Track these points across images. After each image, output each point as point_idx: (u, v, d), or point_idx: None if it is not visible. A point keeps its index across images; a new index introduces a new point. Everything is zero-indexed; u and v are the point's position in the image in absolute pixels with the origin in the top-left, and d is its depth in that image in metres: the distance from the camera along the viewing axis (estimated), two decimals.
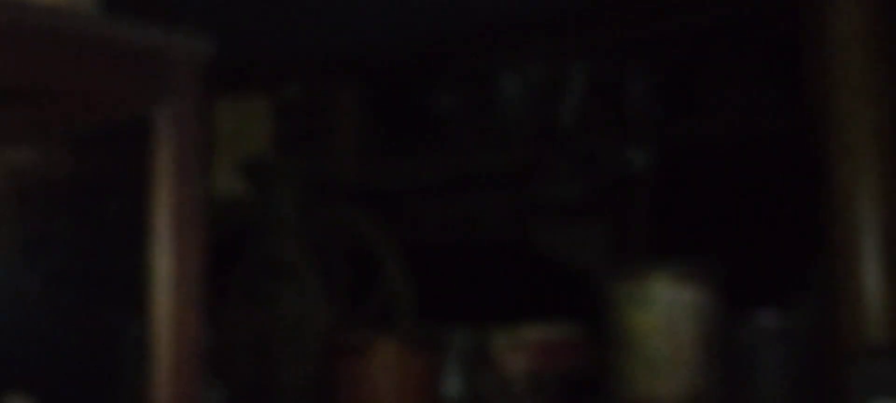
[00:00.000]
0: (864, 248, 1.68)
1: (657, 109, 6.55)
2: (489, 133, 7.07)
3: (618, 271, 1.53)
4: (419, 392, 2.07)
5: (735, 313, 1.80)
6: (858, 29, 1.80)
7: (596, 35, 6.28)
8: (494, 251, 6.46)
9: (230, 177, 3.44)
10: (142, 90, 0.92)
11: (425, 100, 7.40)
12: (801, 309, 1.94)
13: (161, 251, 0.93)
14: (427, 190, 7.44)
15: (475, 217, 7.14)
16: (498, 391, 2.26)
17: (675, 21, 6.40)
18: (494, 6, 6.06)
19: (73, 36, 0.88)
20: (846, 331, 1.65)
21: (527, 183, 6.80)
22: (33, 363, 1.62)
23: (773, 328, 1.74)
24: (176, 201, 0.91)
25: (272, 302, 2.70)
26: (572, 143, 6.60)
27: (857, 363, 1.27)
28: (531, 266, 6.03)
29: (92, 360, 1.78)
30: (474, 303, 5.19)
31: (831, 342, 1.68)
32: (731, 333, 1.70)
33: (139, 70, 0.92)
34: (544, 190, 6.78)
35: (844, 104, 1.80)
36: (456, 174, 7.22)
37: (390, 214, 7.11)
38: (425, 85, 7.34)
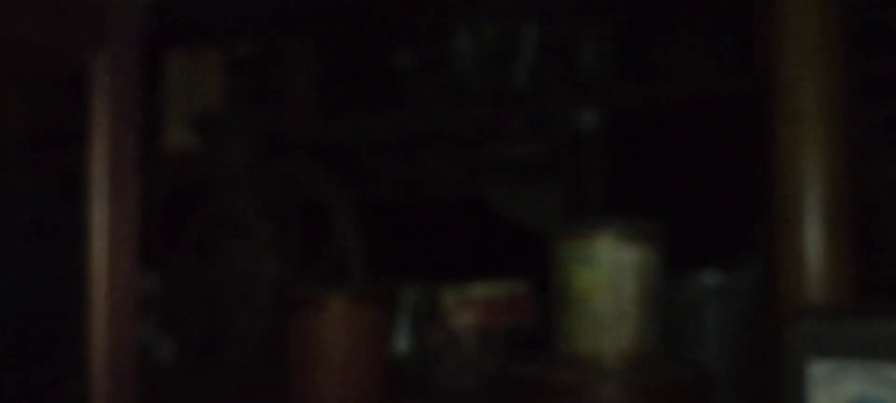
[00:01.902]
0: (806, 212, 1.70)
1: (610, 71, 6.57)
2: (444, 92, 7.04)
3: (564, 230, 1.53)
4: (369, 346, 2.07)
5: (679, 272, 1.82)
6: None
7: None
8: (448, 209, 6.47)
9: (182, 131, 3.38)
10: (80, 40, 0.90)
11: (380, 58, 7.34)
12: (744, 270, 1.97)
13: (96, 199, 0.91)
14: (381, 147, 7.41)
15: (429, 175, 7.13)
16: (446, 345, 2.28)
17: None
18: None
19: None
20: (786, 292, 1.68)
21: (480, 142, 6.81)
22: None
23: (715, 286, 1.77)
24: (112, 151, 0.89)
25: (223, 255, 2.67)
26: (526, 104, 6.60)
27: (795, 323, 1.30)
28: (484, 224, 6.05)
29: (32, 305, 1.75)
30: (427, 260, 5.21)
31: (772, 302, 1.71)
32: (673, 290, 1.72)
33: (77, 20, 0.89)
34: (498, 149, 6.79)
35: (793, 70, 1.81)
36: (410, 132, 7.19)
37: (344, 171, 7.07)
38: (381, 42, 7.27)
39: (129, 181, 0.91)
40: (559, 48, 6.36)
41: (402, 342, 2.45)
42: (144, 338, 2.56)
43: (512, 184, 6.77)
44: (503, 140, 6.90)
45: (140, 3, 0.94)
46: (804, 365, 1.30)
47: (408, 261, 3.81)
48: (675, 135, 6.38)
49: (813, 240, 1.67)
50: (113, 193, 0.90)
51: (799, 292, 1.63)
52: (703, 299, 1.74)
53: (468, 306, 2.25)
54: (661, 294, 1.60)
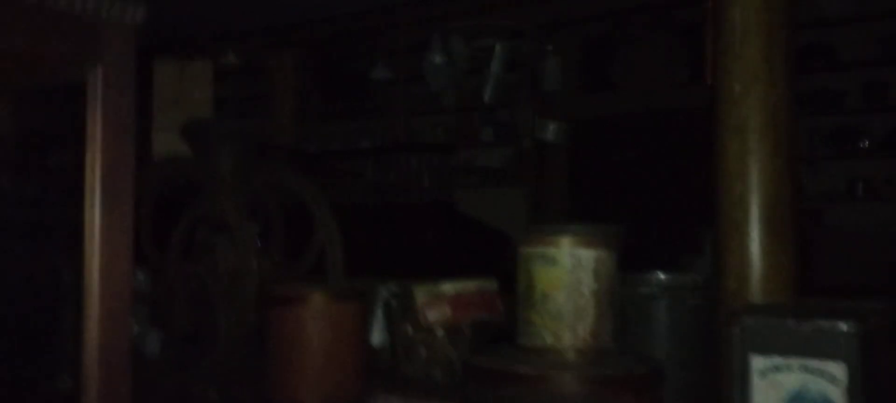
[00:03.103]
0: (749, 218, 1.73)
1: (571, 86, 6.61)
2: (418, 103, 7.04)
3: (527, 233, 1.55)
4: (346, 339, 2.07)
5: (634, 271, 1.84)
6: (756, 19, 1.84)
7: (516, 15, 6.28)
8: (421, 212, 6.47)
9: (170, 137, 3.35)
10: (76, 54, 0.90)
11: (359, 71, 7.32)
12: (693, 271, 1.99)
13: (93, 206, 0.91)
14: (358, 153, 7.38)
15: (404, 180, 7.12)
16: (419, 339, 2.29)
17: (591, 3, 6.44)
18: None
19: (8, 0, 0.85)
20: (731, 291, 1.71)
21: (451, 150, 6.81)
22: None
23: (666, 286, 1.79)
24: (107, 159, 0.89)
25: (210, 255, 2.66)
26: (493, 115, 6.62)
27: (739, 320, 1.32)
28: (454, 226, 6.06)
29: (29, 305, 1.74)
30: (400, 259, 5.21)
31: (718, 301, 1.74)
32: (628, 290, 1.74)
33: (73, 34, 0.89)
34: (467, 157, 6.80)
35: (738, 86, 1.84)
36: (386, 139, 7.17)
37: (323, 175, 7.05)
38: (359, 56, 7.25)
39: (124, 188, 0.91)
40: (525, 64, 6.40)
41: (376, 336, 2.45)
42: (133, 333, 2.55)
43: (480, 188, 6.80)
44: (472, 148, 6.93)
45: (134, 22, 0.94)
46: (747, 360, 1.32)
47: (382, 260, 3.82)
48: (631, 146, 6.45)
49: (756, 244, 1.71)
50: (108, 200, 0.90)
51: (742, 292, 1.66)
52: (655, 297, 1.77)
53: (438, 302, 2.26)
54: (617, 292, 1.62)
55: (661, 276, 1.80)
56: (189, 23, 6.69)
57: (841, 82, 5.93)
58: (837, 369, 1.27)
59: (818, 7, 5.90)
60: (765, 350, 1.33)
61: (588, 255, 1.53)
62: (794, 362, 1.30)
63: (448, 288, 2.27)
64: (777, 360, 1.32)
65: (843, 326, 1.27)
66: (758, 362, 1.33)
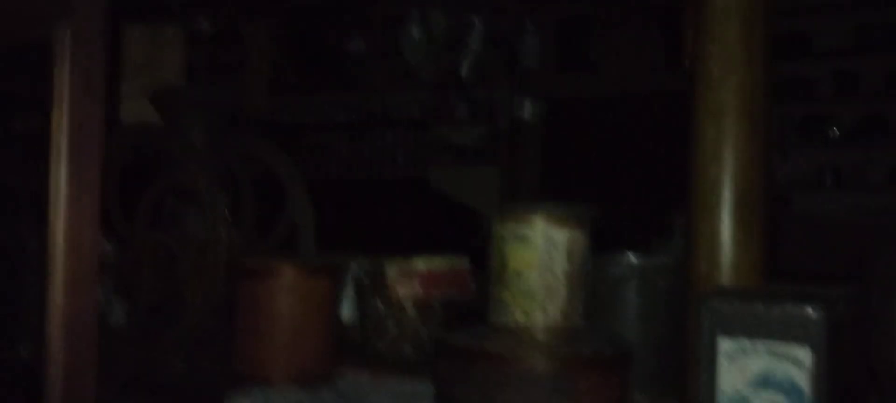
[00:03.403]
0: (721, 201, 1.74)
1: (549, 65, 6.61)
2: (393, 77, 7.00)
3: (501, 211, 1.55)
4: (316, 314, 2.06)
5: (605, 252, 1.85)
6: (736, 2, 1.84)
7: None
8: (394, 188, 6.46)
9: (140, 104, 3.30)
10: (43, 10, 0.87)
11: (335, 42, 7.25)
12: (663, 253, 2.01)
13: (58, 169, 0.89)
14: (333, 127, 7.34)
15: (377, 155, 7.10)
16: (389, 315, 2.29)
17: None
18: None
19: None
20: (701, 274, 1.72)
21: (425, 126, 6.79)
22: None
23: (636, 267, 1.80)
24: (74, 121, 0.87)
25: (178, 225, 2.64)
26: (469, 92, 6.61)
27: (707, 303, 1.33)
28: (428, 203, 6.06)
29: None
30: (372, 235, 5.20)
31: (688, 283, 1.75)
32: (599, 270, 1.75)
33: None
34: (441, 133, 6.78)
35: (716, 70, 1.85)
36: (360, 113, 7.13)
37: (297, 148, 7.01)
38: (335, 27, 7.19)
39: (92, 152, 0.89)
40: (503, 41, 6.39)
41: (346, 311, 2.45)
42: (99, 301, 2.52)
43: (453, 166, 6.80)
44: (447, 125, 6.92)
45: None
46: (714, 343, 1.34)
47: (354, 235, 3.81)
48: (607, 127, 6.48)
49: (726, 228, 1.72)
50: (75, 164, 0.88)
51: (712, 275, 1.67)
52: (626, 278, 1.78)
53: (409, 278, 2.26)
54: (589, 272, 1.63)
55: (632, 258, 1.81)
56: None
57: (812, 70, 6.00)
58: (803, 353, 1.29)
59: None
60: (732, 332, 1.34)
61: (561, 235, 1.53)
62: (761, 345, 1.32)
63: (419, 264, 2.27)
64: (744, 343, 1.33)
65: (810, 311, 1.29)
66: (725, 344, 1.35)
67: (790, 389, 1.28)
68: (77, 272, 0.88)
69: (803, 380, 1.27)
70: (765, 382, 1.30)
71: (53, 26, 0.85)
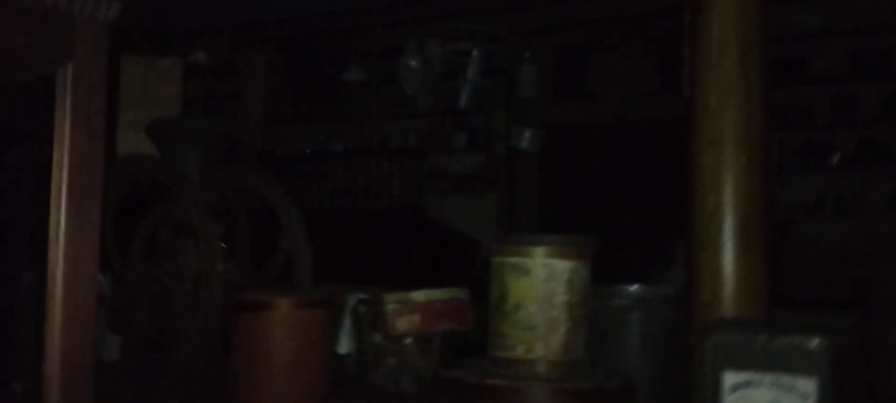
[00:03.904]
0: (722, 231, 1.74)
1: (546, 93, 6.63)
2: (391, 106, 7.02)
3: (500, 242, 1.54)
4: (312, 348, 2.05)
5: (606, 283, 1.85)
6: (733, 32, 1.86)
7: (493, 21, 6.30)
8: (391, 217, 6.45)
9: (136, 136, 3.31)
10: (46, 49, 0.87)
11: (332, 72, 7.27)
12: (665, 283, 2.00)
13: (59, 207, 0.89)
14: (330, 156, 7.34)
15: (374, 184, 7.09)
16: (387, 348, 2.27)
17: (567, 11, 6.48)
18: None
19: None
20: (703, 306, 1.72)
21: (423, 154, 6.80)
22: None
23: (638, 298, 1.80)
24: (75, 159, 0.87)
25: (174, 258, 2.63)
26: (467, 120, 6.62)
27: (711, 335, 1.33)
28: (426, 233, 6.05)
29: None
30: (371, 266, 5.18)
31: (690, 315, 1.75)
32: (600, 302, 1.75)
33: (44, 29, 0.87)
34: (439, 162, 6.79)
35: (714, 100, 1.86)
36: (357, 142, 7.14)
37: (294, 178, 7.00)
38: (332, 57, 7.21)
39: (92, 190, 0.89)
40: (500, 70, 6.42)
41: (343, 344, 2.44)
42: (96, 339, 2.50)
43: (451, 194, 6.80)
44: (444, 153, 6.93)
45: (106, 18, 0.92)
46: (719, 376, 1.33)
47: (351, 266, 3.80)
48: (605, 154, 6.49)
49: (728, 257, 1.72)
50: (75, 202, 0.88)
51: (715, 306, 1.67)
52: (627, 310, 1.78)
53: (408, 311, 2.25)
54: (590, 304, 1.62)
55: (634, 288, 1.81)
56: (158, 19, 6.61)
57: (810, 96, 6.03)
58: (808, 384, 1.28)
59: (789, 21, 5.99)
60: (736, 365, 1.34)
61: (562, 266, 1.53)
62: (766, 377, 1.32)
63: (418, 296, 2.26)
64: (748, 376, 1.33)
65: (814, 342, 1.28)
66: (729, 377, 1.34)
67: None
68: (75, 312, 0.88)
69: None
70: None
71: (56, 65, 0.86)
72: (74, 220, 0.88)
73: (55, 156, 0.87)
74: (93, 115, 0.89)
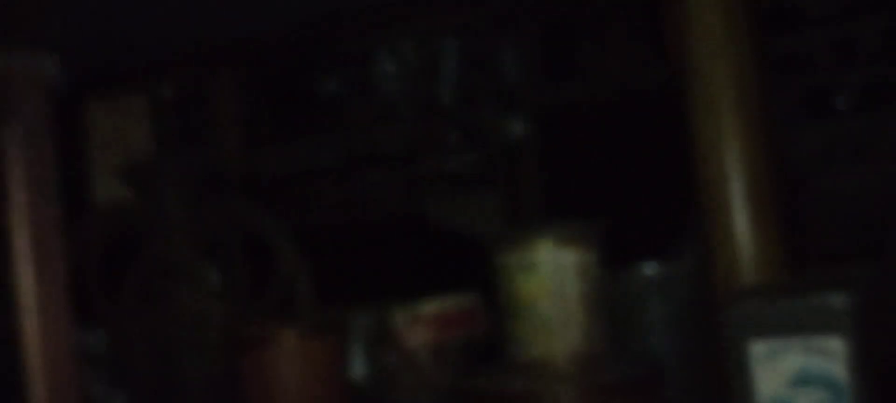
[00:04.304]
0: (730, 197, 1.75)
1: (535, 76, 6.64)
2: (372, 113, 7.02)
3: (502, 239, 1.55)
4: (324, 377, 2.05)
5: (619, 267, 1.85)
6: None
7: (467, 10, 6.30)
8: (389, 227, 6.45)
9: (112, 181, 3.31)
10: None
11: (305, 84, 7.28)
12: (681, 259, 2.01)
13: (22, 268, 0.90)
14: (316, 172, 7.34)
15: (367, 195, 7.10)
16: (402, 365, 2.28)
17: None
18: None
19: None
20: (721, 277, 1.72)
21: (414, 158, 6.81)
22: None
23: (655, 278, 1.80)
24: (32, 218, 0.88)
25: (168, 302, 2.63)
26: (454, 117, 6.63)
27: (732, 306, 1.33)
28: (426, 239, 6.05)
29: None
30: (374, 281, 5.19)
31: (710, 288, 1.75)
32: (615, 286, 1.75)
33: None
34: (432, 163, 6.80)
35: (705, 63, 1.86)
36: (343, 155, 7.15)
37: (281, 200, 7.00)
38: (304, 70, 7.22)
39: (52, 245, 0.90)
40: (481, 59, 6.42)
41: (357, 367, 2.44)
42: (96, 397, 2.50)
43: (449, 196, 6.79)
44: (436, 154, 6.92)
45: (48, 72, 0.93)
46: (745, 346, 1.34)
47: (355, 283, 3.79)
48: (605, 133, 6.48)
49: (740, 223, 1.72)
50: (37, 260, 0.88)
51: (733, 275, 1.67)
52: (645, 291, 1.78)
53: (419, 324, 2.25)
54: (604, 291, 1.63)
55: (650, 268, 1.81)
56: (118, 57, 6.61)
57: (809, 41, 6.03)
58: (837, 343, 1.29)
59: None
60: (762, 333, 1.34)
61: (569, 256, 1.53)
62: (794, 342, 1.32)
63: (428, 308, 2.26)
64: (775, 343, 1.33)
65: (839, 298, 1.29)
66: (756, 347, 1.35)
67: (829, 382, 1.28)
68: (55, 370, 0.88)
69: (841, 370, 1.27)
70: (803, 379, 1.30)
71: (1, 128, 0.87)
72: (40, 278, 0.88)
73: (13, 220, 0.88)
74: (44, 173, 0.90)
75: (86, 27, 4.59)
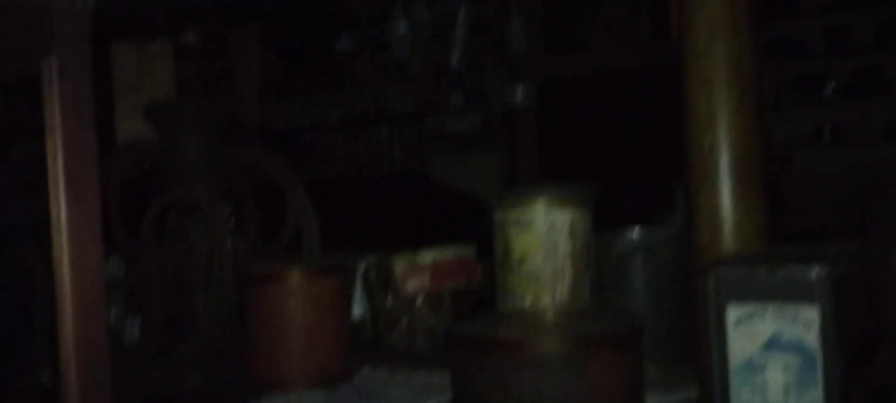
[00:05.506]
0: (718, 170, 1.75)
1: (538, 47, 6.60)
2: (384, 72, 7.00)
3: (501, 197, 1.55)
4: (327, 315, 2.08)
5: (609, 230, 1.86)
6: None
7: None
8: (394, 182, 6.46)
9: (134, 121, 3.31)
10: (27, 45, 0.88)
11: (322, 43, 7.25)
12: (667, 226, 2.01)
13: (58, 198, 0.90)
14: (328, 126, 7.34)
15: (375, 151, 7.10)
16: (399, 309, 2.30)
17: None
18: None
19: None
20: (704, 244, 1.73)
21: (420, 118, 6.79)
22: None
23: (641, 242, 1.81)
24: (68, 150, 0.88)
25: (183, 238, 2.65)
26: (461, 81, 6.60)
27: (713, 272, 1.34)
28: (429, 195, 6.06)
29: (2, 303, 1.72)
30: (378, 231, 5.21)
31: (692, 254, 1.76)
32: (603, 247, 1.76)
33: (25, 24, 0.88)
34: (437, 124, 6.78)
35: (703, 40, 1.85)
36: (354, 111, 7.13)
37: (294, 150, 7.01)
38: (321, 28, 7.18)
39: (88, 178, 0.90)
40: (490, 27, 6.38)
41: (356, 309, 2.46)
42: (111, 322, 2.53)
43: (452, 156, 6.79)
44: (441, 115, 6.91)
45: (87, 6, 0.93)
46: (722, 311, 1.35)
47: (358, 233, 3.81)
48: (601, 104, 6.47)
49: (726, 195, 1.72)
50: (73, 191, 0.89)
51: (716, 243, 1.68)
52: (631, 253, 1.79)
53: (417, 272, 2.27)
54: (593, 250, 1.64)
55: (636, 232, 1.82)
56: (145, 3, 6.57)
57: (804, 28, 5.99)
58: (811, 313, 1.30)
59: None
60: (739, 299, 1.35)
61: (563, 216, 1.54)
62: (769, 309, 1.33)
63: (426, 256, 2.28)
64: (751, 308, 1.34)
65: (815, 271, 1.29)
66: (732, 311, 1.36)
67: (801, 349, 1.29)
68: (85, 296, 0.89)
69: (813, 339, 1.28)
70: (774, 345, 1.31)
71: (39, 60, 0.86)
72: (74, 209, 0.89)
73: (49, 148, 0.89)
74: (81, 103, 0.90)
75: None
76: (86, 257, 0.90)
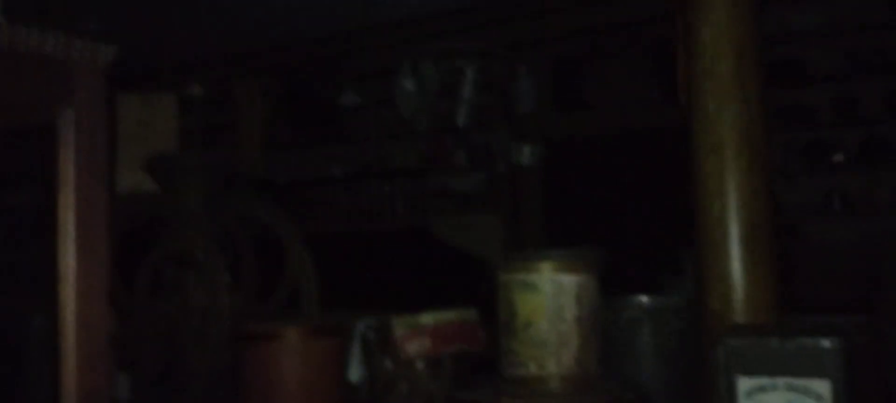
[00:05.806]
0: (728, 237, 1.76)
1: (545, 107, 6.66)
2: (389, 128, 7.05)
3: (507, 259, 1.56)
4: (323, 376, 2.06)
5: (615, 296, 1.86)
6: (727, 37, 1.87)
7: (485, 36, 6.33)
8: (396, 240, 6.46)
9: (135, 173, 3.33)
10: (45, 96, 0.90)
11: (327, 97, 7.32)
12: (675, 293, 2.01)
13: (66, 249, 0.90)
14: (331, 181, 7.36)
15: (377, 206, 7.11)
16: (399, 373, 2.28)
17: (563, 23, 6.52)
18: (391, 8, 6.04)
19: None
20: (714, 313, 1.73)
21: (424, 175, 6.82)
22: None
23: (648, 309, 1.81)
24: (80, 201, 0.89)
25: (179, 292, 2.64)
26: (466, 138, 6.65)
27: (723, 342, 1.34)
28: (430, 254, 6.05)
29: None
30: (378, 289, 5.19)
31: (701, 323, 1.76)
32: (611, 314, 1.76)
33: (43, 76, 0.89)
34: (440, 182, 6.81)
35: (713, 105, 1.87)
36: (357, 166, 7.17)
37: (295, 204, 7.01)
38: (327, 82, 7.26)
39: (98, 232, 0.91)
40: (497, 86, 6.45)
41: (354, 371, 2.44)
42: (111, 377, 2.51)
43: (454, 214, 6.80)
44: (445, 172, 6.94)
45: (103, 63, 0.94)
46: (733, 381, 1.34)
47: (358, 290, 3.80)
48: (607, 166, 6.50)
49: (736, 263, 1.73)
50: (83, 244, 0.89)
51: (725, 313, 1.68)
52: (638, 321, 1.79)
53: (418, 334, 2.26)
54: (600, 317, 1.63)
55: (644, 299, 1.82)
56: (151, 54, 6.67)
57: (812, 96, 6.04)
58: (822, 386, 1.29)
59: (786, 22, 6.02)
60: (750, 370, 1.35)
61: (570, 280, 1.54)
62: (780, 381, 1.32)
63: (427, 319, 2.26)
64: (762, 380, 1.33)
65: (827, 343, 1.29)
66: (743, 383, 1.35)
67: None
68: (89, 348, 0.89)
69: None
70: None
71: (56, 110, 0.88)
72: (83, 261, 0.89)
73: (61, 199, 0.89)
74: (95, 157, 0.91)
75: (123, 23, 4.64)
76: (92, 310, 0.90)
